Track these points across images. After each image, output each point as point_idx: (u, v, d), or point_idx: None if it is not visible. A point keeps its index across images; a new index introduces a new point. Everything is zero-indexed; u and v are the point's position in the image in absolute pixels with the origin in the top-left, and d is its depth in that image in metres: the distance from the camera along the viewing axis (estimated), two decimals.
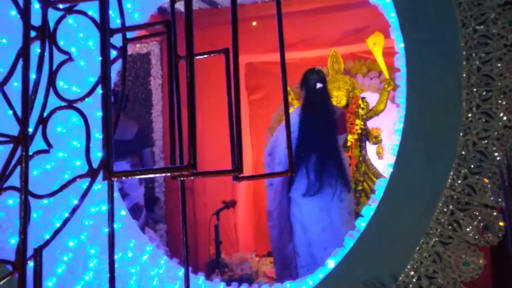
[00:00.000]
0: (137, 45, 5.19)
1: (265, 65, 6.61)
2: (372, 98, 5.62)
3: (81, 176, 1.51)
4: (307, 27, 5.95)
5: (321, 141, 4.03)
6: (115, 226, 3.56)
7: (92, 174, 1.49)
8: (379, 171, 5.33)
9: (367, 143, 5.51)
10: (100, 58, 1.09)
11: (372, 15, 3.76)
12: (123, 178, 1.05)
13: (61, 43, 3.02)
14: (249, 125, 6.66)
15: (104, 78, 1.08)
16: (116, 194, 3.54)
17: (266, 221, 4.47)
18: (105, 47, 1.09)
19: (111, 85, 1.27)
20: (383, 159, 5.29)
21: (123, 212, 3.54)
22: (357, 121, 5.42)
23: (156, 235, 4.70)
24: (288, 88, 5.54)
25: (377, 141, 5.37)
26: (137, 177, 1.04)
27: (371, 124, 5.54)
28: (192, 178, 1.18)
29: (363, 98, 5.56)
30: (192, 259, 5.14)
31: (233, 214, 5.90)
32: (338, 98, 5.47)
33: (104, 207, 3.21)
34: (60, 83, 2.91)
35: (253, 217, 5.07)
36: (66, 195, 2.39)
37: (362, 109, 5.49)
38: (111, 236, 1.25)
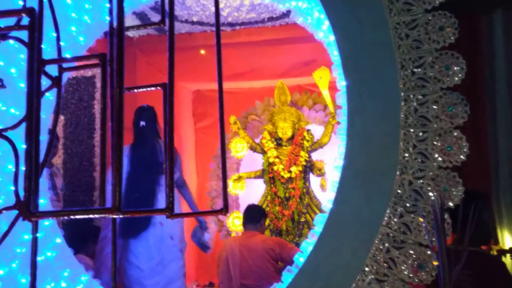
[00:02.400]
0: None
1: (212, 93, 6.64)
2: (317, 130, 5.69)
3: (7, 208, 1.44)
4: (256, 57, 6.02)
5: (147, 180, 4.04)
6: (48, 254, 3.41)
7: (19, 206, 1.43)
8: (322, 204, 5.37)
9: (311, 175, 5.55)
10: (26, 90, 1.05)
11: (319, 49, 3.84)
12: (45, 218, 1.01)
13: (0, 63, 2.93)
14: (195, 153, 6.62)
15: (29, 112, 1.04)
16: (52, 221, 3.40)
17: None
18: (32, 79, 1.06)
19: (39, 117, 1.23)
20: (326, 192, 5.34)
21: (58, 240, 3.41)
22: (302, 153, 5.47)
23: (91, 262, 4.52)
24: (235, 118, 5.59)
25: (320, 173, 5.42)
26: (61, 218, 1.00)
27: (315, 156, 5.60)
28: (121, 216, 1.14)
29: (308, 130, 5.61)
30: None
31: None
32: (284, 129, 5.51)
33: (39, 234, 3.08)
34: None
35: (194, 246, 5.00)
36: None
37: (307, 141, 5.54)
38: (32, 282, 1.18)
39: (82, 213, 1.00)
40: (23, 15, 1.12)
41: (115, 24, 1.30)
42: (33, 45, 1.04)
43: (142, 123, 4.23)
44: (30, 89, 1.01)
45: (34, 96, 1.03)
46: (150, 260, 4.01)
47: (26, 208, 0.97)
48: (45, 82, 1.44)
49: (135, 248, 4.05)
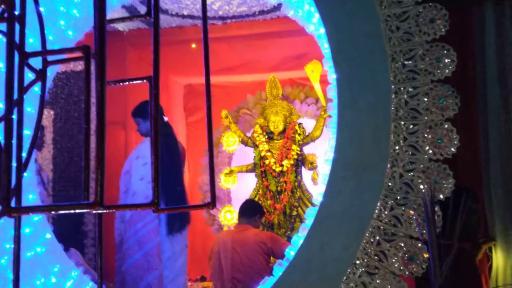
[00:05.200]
0: (71, 63, 5.06)
1: (204, 87, 6.58)
2: (309, 124, 5.67)
3: None
4: (247, 51, 5.99)
5: (171, 175, 4.05)
6: (38, 250, 3.38)
7: (3, 202, 1.40)
8: (314, 197, 5.35)
9: (303, 168, 5.54)
10: (4, 83, 1.02)
11: (310, 43, 3.82)
12: (26, 214, 0.99)
13: None
14: (186, 147, 6.59)
15: (8, 105, 1.02)
16: (41, 216, 3.38)
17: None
18: (11, 72, 1.03)
19: (22, 111, 1.21)
20: (318, 185, 5.33)
21: (48, 235, 3.39)
22: (294, 147, 5.46)
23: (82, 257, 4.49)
24: (226, 112, 5.57)
25: (312, 167, 5.40)
26: (42, 213, 0.97)
27: (307, 150, 5.58)
28: (105, 211, 1.13)
29: (300, 124, 5.60)
30: None
31: None
32: (276, 123, 5.50)
33: (28, 230, 3.06)
34: None
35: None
36: None
37: (299, 134, 5.53)
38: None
39: (64, 208, 0.98)
40: (3, 6, 1.10)
41: None
42: (12, 37, 1.02)
43: (166, 118, 4.28)
44: (8, 82, 0.98)
45: (13, 90, 1.00)
46: (162, 253, 4.02)
47: (6, 203, 0.94)
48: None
49: None
